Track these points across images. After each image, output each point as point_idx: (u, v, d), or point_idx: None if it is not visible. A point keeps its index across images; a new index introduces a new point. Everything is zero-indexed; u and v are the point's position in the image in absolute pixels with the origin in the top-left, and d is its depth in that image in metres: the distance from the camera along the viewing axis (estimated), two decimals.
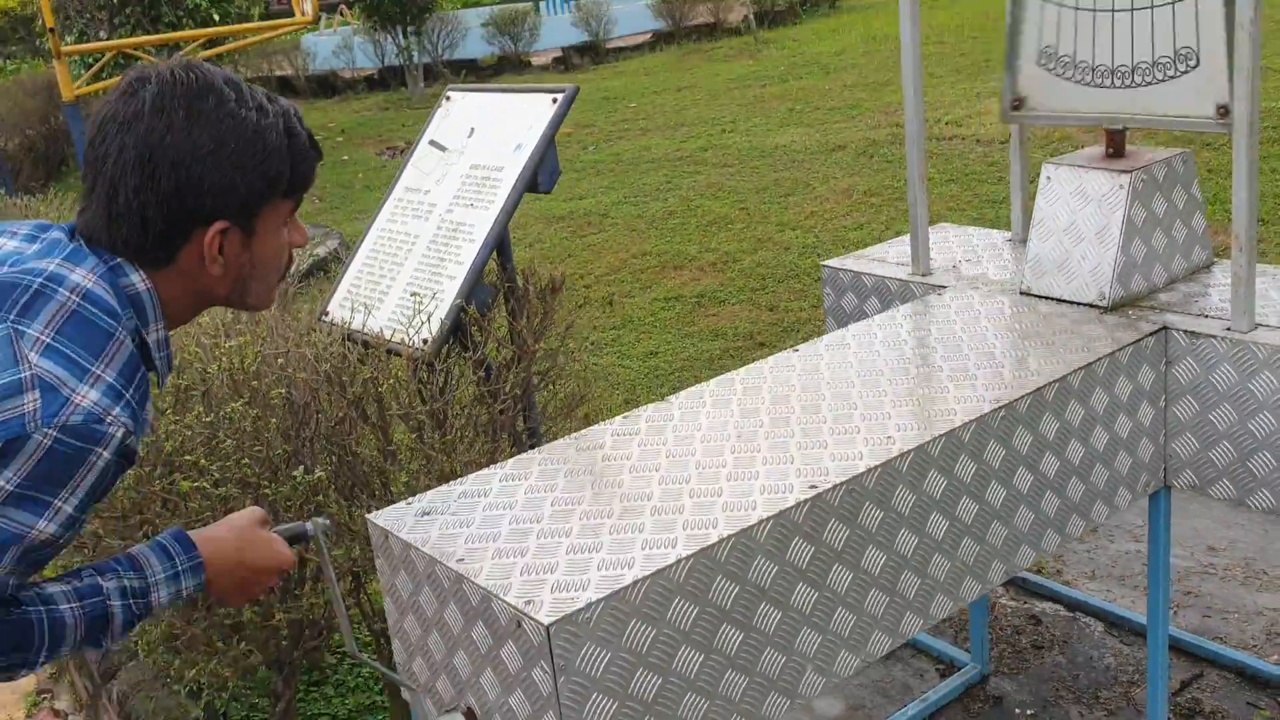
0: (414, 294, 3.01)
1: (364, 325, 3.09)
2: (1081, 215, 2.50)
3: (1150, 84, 2.46)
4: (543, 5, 20.77)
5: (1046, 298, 2.55)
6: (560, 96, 3.05)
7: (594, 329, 6.15)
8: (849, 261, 2.98)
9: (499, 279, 3.11)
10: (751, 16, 16.88)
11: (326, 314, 3.29)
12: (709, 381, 2.30)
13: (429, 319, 2.92)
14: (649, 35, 17.90)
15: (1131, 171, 2.45)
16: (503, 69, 17.18)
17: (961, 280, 2.75)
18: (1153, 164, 2.49)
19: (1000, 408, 2.08)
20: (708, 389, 2.26)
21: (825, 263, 3.00)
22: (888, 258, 2.97)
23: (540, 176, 3.03)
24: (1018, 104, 2.69)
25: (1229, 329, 2.29)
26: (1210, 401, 2.32)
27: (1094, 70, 2.53)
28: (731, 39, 17.25)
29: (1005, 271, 2.78)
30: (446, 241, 3.09)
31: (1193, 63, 2.38)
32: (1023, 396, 2.12)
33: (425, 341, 2.91)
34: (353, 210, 9.51)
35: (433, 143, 3.30)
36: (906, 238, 2.88)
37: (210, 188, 1.46)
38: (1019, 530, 2.17)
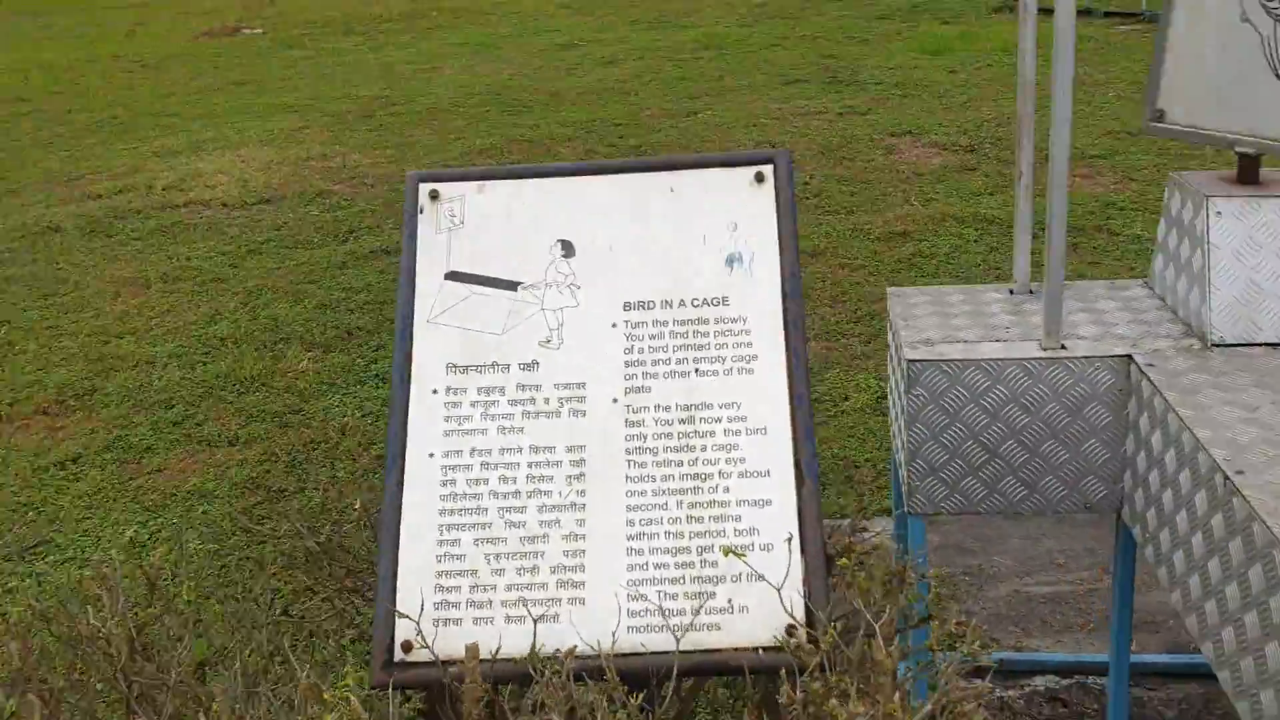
0: None
1: None
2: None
3: None
4: None
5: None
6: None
7: None
8: (941, 346, 2.21)
9: None
10: None
11: None
12: None
13: None
14: None
15: None
16: None
17: (1136, 347, 2.19)
18: None
19: None
20: None
21: (910, 357, 2.18)
22: (960, 330, 2.27)
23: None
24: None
25: None
26: None
27: None
28: None
29: (1144, 325, 2.29)
30: None
31: None
32: None
33: None
34: None
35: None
36: (927, 291, 2.28)
37: None
38: None
